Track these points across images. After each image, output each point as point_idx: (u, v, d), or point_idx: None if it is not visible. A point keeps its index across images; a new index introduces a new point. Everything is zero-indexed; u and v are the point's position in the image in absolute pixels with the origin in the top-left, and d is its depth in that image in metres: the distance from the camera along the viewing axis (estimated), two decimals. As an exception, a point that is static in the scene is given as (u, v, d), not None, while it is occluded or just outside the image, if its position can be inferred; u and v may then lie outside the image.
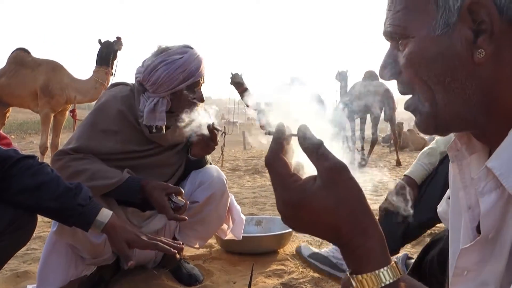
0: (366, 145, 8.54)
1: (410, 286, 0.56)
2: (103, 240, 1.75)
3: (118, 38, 5.70)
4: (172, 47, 1.86)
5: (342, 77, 8.61)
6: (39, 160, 1.45)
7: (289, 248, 2.58)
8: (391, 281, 0.54)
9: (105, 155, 1.81)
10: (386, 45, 0.69)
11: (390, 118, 8.17)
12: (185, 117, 1.78)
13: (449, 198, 0.81)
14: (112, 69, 5.69)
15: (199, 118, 1.79)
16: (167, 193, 1.74)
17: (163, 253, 2.01)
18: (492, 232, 0.62)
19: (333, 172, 0.56)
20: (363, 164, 8.06)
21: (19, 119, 17.67)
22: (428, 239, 2.45)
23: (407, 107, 0.67)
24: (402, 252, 1.99)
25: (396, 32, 0.64)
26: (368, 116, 8.37)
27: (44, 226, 2.99)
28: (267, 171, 0.61)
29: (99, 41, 5.70)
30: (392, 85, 0.69)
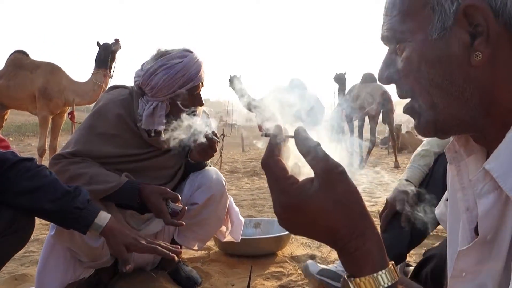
0: (364, 147, 8.54)
1: None
2: (101, 244, 1.75)
3: (116, 40, 5.71)
4: (171, 50, 1.85)
5: (340, 79, 8.63)
6: (37, 163, 1.45)
7: (288, 250, 2.58)
8: (389, 284, 0.54)
9: (103, 159, 1.81)
10: (384, 48, 0.69)
11: (388, 120, 8.18)
12: (184, 123, 1.77)
13: (447, 200, 0.81)
14: (110, 71, 5.69)
15: (197, 126, 1.78)
16: (164, 198, 1.73)
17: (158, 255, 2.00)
18: (490, 233, 0.62)
19: (330, 174, 0.55)
20: (361, 166, 8.07)
21: (17, 121, 17.64)
22: (429, 241, 2.46)
23: (406, 110, 0.68)
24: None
25: (394, 37, 0.64)
26: (366, 118, 8.38)
27: (42, 229, 2.98)
28: None
29: (98, 43, 5.70)
30: (390, 88, 0.69)
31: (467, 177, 0.69)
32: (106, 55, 5.66)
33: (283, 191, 0.57)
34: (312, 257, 2.42)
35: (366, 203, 0.58)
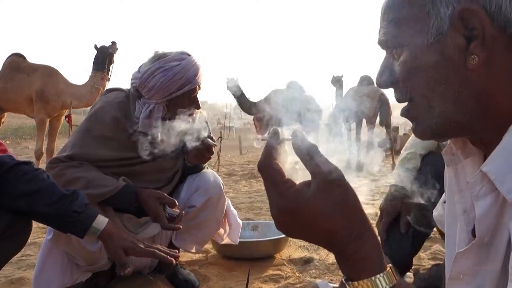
0: (361, 150, 8.54)
1: None
2: (99, 248, 1.74)
3: (113, 43, 5.71)
4: (169, 53, 1.84)
5: (337, 82, 8.64)
6: (34, 166, 1.45)
7: (285, 253, 2.57)
8: (387, 287, 0.54)
9: (100, 162, 1.80)
10: (381, 51, 0.69)
11: (386, 123, 8.19)
12: (180, 126, 1.77)
13: (444, 202, 0.81)
14: (108, 74, 5.69)
15: (193, 131, 1.78)
16: (161, 202, 1.73)
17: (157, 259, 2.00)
18: (487, 235, 0.62)
19: (327, 177, 0.55)
20: (359, 169, 8.06)
21: (14, 124, 17.59)
22: (427, 244, 2.46)
23: (403, 113, 0.68)
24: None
25: (390, 41, 0.65)
26: (364, 120, 8.39)
27: (39, 232, 2.97)
28: None
29: (95, 46, 5.70)
30: (388, 90, 0.69)
31: (465, 179, 0.69)
32: (103, 58, 5.66)
33: (280, 194, 0.57)
34: (310, 260, 2.42)
35: (363, 206, 0.58)
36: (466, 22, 0.58)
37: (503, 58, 0.58)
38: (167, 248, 1.61)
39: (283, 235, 2.42)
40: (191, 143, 1.76)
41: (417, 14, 0.61)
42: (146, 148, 1.81)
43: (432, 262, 2.41)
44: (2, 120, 6.06)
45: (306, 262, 2.41)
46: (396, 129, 11.05)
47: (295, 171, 0.62)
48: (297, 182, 0.58)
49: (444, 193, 0.83)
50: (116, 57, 5.76)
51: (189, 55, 1.87)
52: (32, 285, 1.81)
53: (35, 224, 1.54)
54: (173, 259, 1.48)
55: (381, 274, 0.54)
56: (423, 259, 2.47)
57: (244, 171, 7.19)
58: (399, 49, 0.64)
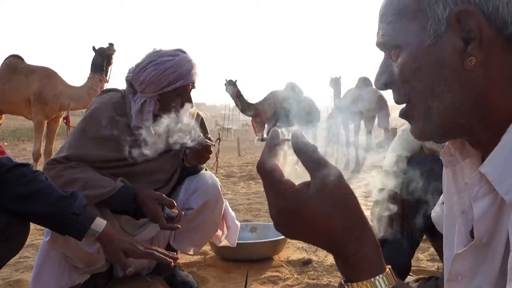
0: (360, 151, 8.56)
1: None
2: (97, 249, 1.74)
3: (111, 44, 5.71)
4: (166, 50, 1.86)
5: (335, 83, 8.65)
6: (33, 168, 1.44)
7: (284, 254, 2.57)
8: None
9: (98, 163, 1.80)
10: (379, 53, 0.70)
11: (384, 124, 8.19)
12: (175, 124, 1.76)
13: (443, 203, 0.81)
14: (106, 75, 5.68)
15: (188, 129, 1.77)
16: (159, 203, 1.73)
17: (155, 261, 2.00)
18: (485, 237, 0.62)
19: (327, 178, 0.55)
20: (357, 170, 8.08)
21: (12, 125, 17.55)
22: (424, 245, 2.46)
23: (402, 114, 0.68)
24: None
25: (388, 43, 0.65)
26: (362, 122, 8.40)
27: (37, 234, 2.96)
28: None
29: (93, 48, 5.70)
30: (386, 92, 0.69)
31: (463, 180, 0.69)
32: (101, 60, 5.65)
33: (279, 195, 0.57)
34: (308, 261, 2.41)
35: (362, 207, 0.58)
36: (463, 24, 0.58)
37: (500, 60, 0.59)
38: (165, 250, 1.61)
39: (282, 237, 2.44)
40: (188, 143, 1.77)
41: (415, 16, 0.61)
42: (142, 147, 1.81)
43: (431, 264, 2.42)
44: (0, 121, 6.04)
45: (305, 263, 2.40)
46: (395, 130, 11.07)
47: (295, 171, 0.62)
48: (297, 183, 0.58)
49: (442, 194, 0.83)
50: (114, 58, 5.75)
51: (184, 52, 1.87)
52: (30, 287, 1.81)
53: (32, 226, 1.53)
54: (171, 260, 1.48)
55: (381, 276, 0.54)
56: (422, 261, 2.48)
57: (242, 173, 7.19)
58: (397, 50, 0.64)
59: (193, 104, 1.91)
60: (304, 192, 0.55)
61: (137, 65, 1.83)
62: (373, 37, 0.69)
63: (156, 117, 1.81)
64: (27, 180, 1.38)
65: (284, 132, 0.62)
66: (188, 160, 1.98)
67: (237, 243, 2.25)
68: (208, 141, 1.86)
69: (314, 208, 0.55)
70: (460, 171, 0.71)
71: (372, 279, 0.54)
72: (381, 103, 7.91)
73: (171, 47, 1.91)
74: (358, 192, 0.58)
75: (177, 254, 1.96)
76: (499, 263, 0.61)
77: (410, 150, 1.82)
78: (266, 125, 7.41)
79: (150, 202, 1.71)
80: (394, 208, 1.67)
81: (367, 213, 0.58)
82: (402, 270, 1.79)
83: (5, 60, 5.80)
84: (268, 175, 0.58)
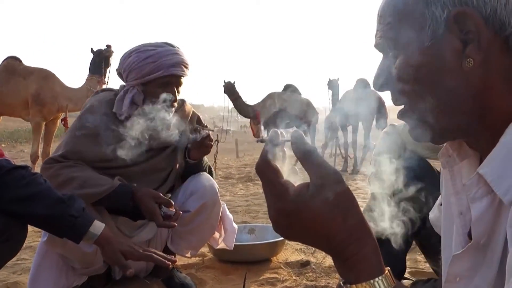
0: (358, 152, 8.57)
1: None
2: (94, 249, 1.73)
3: (108, 46, 5.71)
4: (154, 42, 1.91)
5: (333, 85, 8.66)
6: (31, 171, 1.44)
7: (282, 256, 2.57)
8: None
9: (95, 162, 1.80)
10: (377, 54, 0.70)
11: (382, 126, 8.20)
12: (164, 120, 1.77)
13: (441, 205, 0.82)
14: (105, 77, 5.68)
15: (176, 125, 1.78)
16: (157, 202, 1.73)
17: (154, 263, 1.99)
18: (483, 238, 0.62)
19: (326, 179, 0.55)
20: (355, 171, 8.09)
21: (10, 127, 17.52)
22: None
23: (400, 116, 0.68)
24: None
25: (387, 44, 0.65)
26: (360, 123, 8.41)
27: (35, 236, 2.95)
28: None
29: (91, 50, 5.69)
30: (384, 93, 0.70)
31: (461, 181, 0.69)
32: (99, 61, 5.65)
33: (278, 196, 0.56)
34: (307, 263, 2.41)
35: (361, 208, 0.58)
36: (462, 26, 0.58)
37: (498, 61, 0.59)
38: (163, 252, 1.61)
39: (280, 238, 2.44)
40: (184, 138, 1.78)
41: (413, 17, 0.61)
42: (127, 138, 1.81)
43: (429, 265, 2.42)
44: (-2, 123, 6.03)
45: (303, 265, 2.40)
46: (393, 132, 11.07)
47: (294, 173, 0.62)
48: (296, 184, 0.58)
49: (440, 196, 0.84)
50: (112, 60, 5.75)
51: (172, 46, 1.89)
52: (27, 288, 1.80)
53: (30, 227, 1.53)
54: (170, 262, 1.48)
55: (380, 277, 0.54)
56: (420, 262, 2.48)
57: (240, 174, 7.19)
58: (395, 52, 0.64)
59: (176, 99, 1.89)
60: (303, 193, 0.55)
61: (123, 54, 1.89)
62: (372, 39, 0.69)
63: (136, 106, 1.85)
64: (25, 182, 1.38)
65: (283, 133, 0.62)
66: (191, 155, 1.97)
67: (235, 244, 2.25)
68: (206, 129, 1.87)
69: (313, 209, 0.54)
70: (458, 172, 0.71)
71: (371, 281, 0.54)
72: (379, 105, 7.92)
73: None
74: (356, 193, 0.58)
75: (175, 256, 1.96)
76: (497, 264, 0.61)
77: (396, 152, 1.83)
78: (264, 127, 7.41)
79: (148, 200, 1.71)
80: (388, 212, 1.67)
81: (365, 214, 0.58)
82: (398, 271, 1.79)
83: (3, 61, 5.79)
84: (267, 176, 0.58)
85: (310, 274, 2.26)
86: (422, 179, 1.40)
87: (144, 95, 1.85)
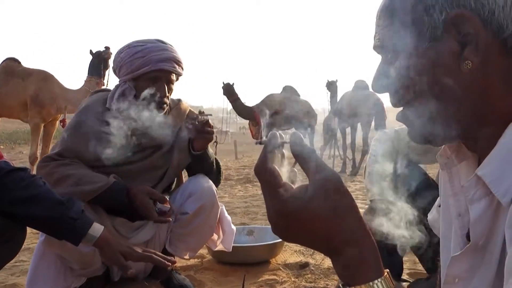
0: (357, 154, 8.58)
1: None
2: (93, 250, 1.73)
3: (107, 48, 5.71)
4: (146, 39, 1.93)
5: (332, 86, 8.67)
6: (30, 173, 1.44)
7: (281, 258, 2.57)
8: None
9: (91, 161, 1.81)
10: (376, 56, 0.70)
11: (381, 127, 8.21)
12: (159, 118, 1.78)
13: (439, 206, 0.82)
14: (104, 79, 5.69)
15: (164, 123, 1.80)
16: (151, 198, 1.76)
17: (153, 264, 1.99)
18: (481, 239, 0.62)
19: (325, 181, 0.55)
20: (354, 173, 8.09)
21: (9, 129, 17.50)
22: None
23: (399, 118, 0.68)
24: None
25: (385, 46, 0.65)
26: (359, 125, 8.42)
27: (33, 238, 2.95)
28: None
29: (90, 51, 5.70)
30: (383, 95, 0.70)
31: (459, 183, 0.69)
32: (98, 63, 5.66)
33: (277, 198, 0.56)
34: (305, 264, 2.41)
35: (360, 210, 0.58)
36: (460, 28, 0.58)
37: (497, 63, 0.59)
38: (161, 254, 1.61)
39: (279, 240, 2.44)
40: (183, 134, 1.80)
41: (411, 20, 0.61)
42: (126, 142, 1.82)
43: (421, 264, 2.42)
44: (-4, 125, 6.03)
45: (302, 266, 2.40)
46: (391, 133, 11.08)
47: (293, 174, 0.62)
48: (295, 185, 0.58)
49: (439, 197, 0.84)
50: (111, 61, 5.76)
51: (163, 43, 1.91)
52: (25, 290, 1.80)
53: (28, 229, 1.53)
54: (169, 264, 1.48)
55: (379, 279, 0.54)
56: (418, 263, 2.48)
57: (239, 176, 7.18)
58: (394, 54, 0.64)
59: (166, 94, 1.89)
60: (302, 195, 0.55)
61: (117, 51, 1.93)
62: (370, 41, 0.69)
63: (127, 101, 1.85)
64: (25, 184, 1.38)
65: (282, 134, 0.62)
66: (194, 144, 1.96)
67: (234, 246, 2.24)
68: (203, 115, 1.88)
69: (311, 211, 0.54)
70: (456, 173, 0.71)
71: (371, 283, 0.54)
72: (378, 106, 7.93)
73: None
74: (355, 195, 0.58)
75: (174, 258, 1.95)
76: (496, 265, 0.62)
77: (392, 160, 1.85)
78: (263, 128, 7.41)
79: (142, 196, 1.73)
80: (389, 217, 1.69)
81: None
82: (396, 274, 1.80)
83: (1, 63, 5.78)
84: (266, 178, 0.58)
85: (309, 275, 2.26)
86: (419, 187, 1.43)
87: (136, 91, 1.88)
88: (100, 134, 1.81)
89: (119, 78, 1.93)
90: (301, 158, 0.58)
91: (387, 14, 0.65)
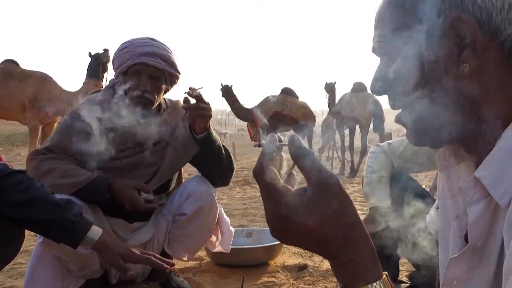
0: (355, 156, 8.59)
1: None
2: (91, 251, 1.73)
3: (105, 50, 5.71)
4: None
5: (330, 88, 8.68)
6: (29, 175, 1.44)
7: (280, 260, 2.57)
8: None
9: (80, 156, 1.83)
10: (374, 58, 0.70)
11: (379, 129, 8.22)
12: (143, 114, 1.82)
13: (437, 208, 0.82)
14: (102, 81, 5.69)
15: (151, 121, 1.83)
16: (136, 189, 1.78)
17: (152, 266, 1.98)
18: (480, 241, 0.62)
19: (324, 184, 0.55)
20: (352, 175, 8.10)
21: (7, 130, 17.47)
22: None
23: (398, 120, 0.68)
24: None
25: (384, 49, 0.65)
26: (357, 127, 8.43)
27: (31, 240, 2.94)
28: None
29: (89, 54, 5.70)
30: (381, 97, 0.70)
31: (457, 185, 0.70)
32: (97, 65, 5.66)
33: (276, 201, 0.56)
34: (304, 266, 2.41)
35: (358, 212, 0.58)
36: (458, 31, 0.59)
37: (494, 66, 0.59)
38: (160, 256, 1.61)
39: (277, 242, 2.43)
40: (180, 132, 1.83)
41: (410, 22, 0.62)
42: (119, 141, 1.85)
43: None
44: (-6, 126, 6.02)
45: (301, 269, 2.40)
46: (389, 135, 11.11)
47: (291, 177, 0.62)
48: (293, 188, 0.58)
49: (437, 199, 0.84)
50: (110, 64, 5.76)
51: (154, 40, 1.94)
52: (23, 291, 1.79)
53: (26, 232, 1.52)
54: (168, 266, 1.48)
55: (377, 282, 0.54)
56: (417, 265, 2.48)
57: (238, 178, 7.18)
58: (393, 56, 0.64)
59: (149, 89, 1.89)
60: (301, 198, 0.55)
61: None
62: (369, 43, 0.70)
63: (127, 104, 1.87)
64: (23, 187, 1.37)
65: (281, 137, 0.62)
66: (194, 127, 1.92)
67: (233, 248, 2.24)
68: (194, 91, 1.88)
69: (310, 214, 0.54)
70: (455, 175, 0.71)
71: (369, 285, 0.54)
72: (376, 108, 7.95)
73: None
74: (353, 197, 0.58)
75: (172, 260, 1.95)
76: (494, 267, 0.62)
77: (387, 170, 1.91)
78: (261, 130, 7.41)
79: (126, 188, 1.76)
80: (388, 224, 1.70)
81: (363, 217, 0.58)
82: (393, 275, 1.80)
83: (0, 65, 5.78)
84: (265, 180, 0.58)
85: (308, 277, 2.26)
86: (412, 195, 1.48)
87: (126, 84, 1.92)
88: (87, 131, 1.81)
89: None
90: (299, 160, 0.58)
91: (386, 16, 0.65)
